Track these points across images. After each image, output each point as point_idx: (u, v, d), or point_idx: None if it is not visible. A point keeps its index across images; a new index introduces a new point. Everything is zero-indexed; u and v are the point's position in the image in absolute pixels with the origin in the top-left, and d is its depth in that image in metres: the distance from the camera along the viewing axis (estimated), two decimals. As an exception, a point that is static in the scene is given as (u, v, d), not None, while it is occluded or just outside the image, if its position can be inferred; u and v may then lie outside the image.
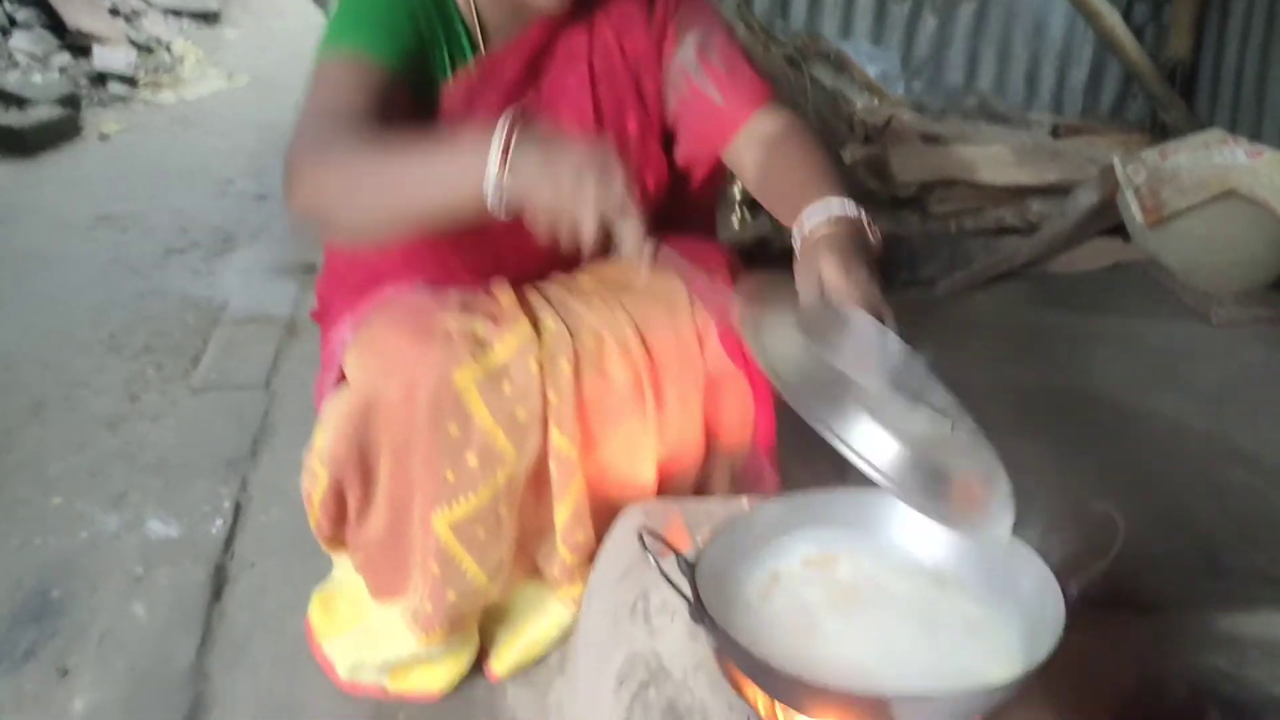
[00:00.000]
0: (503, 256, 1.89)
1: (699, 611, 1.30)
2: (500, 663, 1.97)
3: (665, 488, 1.94)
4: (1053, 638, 1.28)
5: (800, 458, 1.97)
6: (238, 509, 2.47)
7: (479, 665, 1.98)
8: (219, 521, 2.42)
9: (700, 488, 2.00)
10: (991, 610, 1.46)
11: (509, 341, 1.75)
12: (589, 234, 1.37)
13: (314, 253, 3.40)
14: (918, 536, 1.54)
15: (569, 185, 1.36)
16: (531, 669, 1.97)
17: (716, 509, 1.77)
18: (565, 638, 1.97)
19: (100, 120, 5.88)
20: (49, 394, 2.99)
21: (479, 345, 1.73)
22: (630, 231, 1.39)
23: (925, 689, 1.31)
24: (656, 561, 1.29)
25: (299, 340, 3.28)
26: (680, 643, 1.43)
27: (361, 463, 1.79)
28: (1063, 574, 1.37)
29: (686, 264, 1.48)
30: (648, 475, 1.88)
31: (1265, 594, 2.15)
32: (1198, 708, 1.90)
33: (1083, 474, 2.48)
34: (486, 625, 2.01)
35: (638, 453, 1.88)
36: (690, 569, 1.38)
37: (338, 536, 1.93)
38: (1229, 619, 2.02)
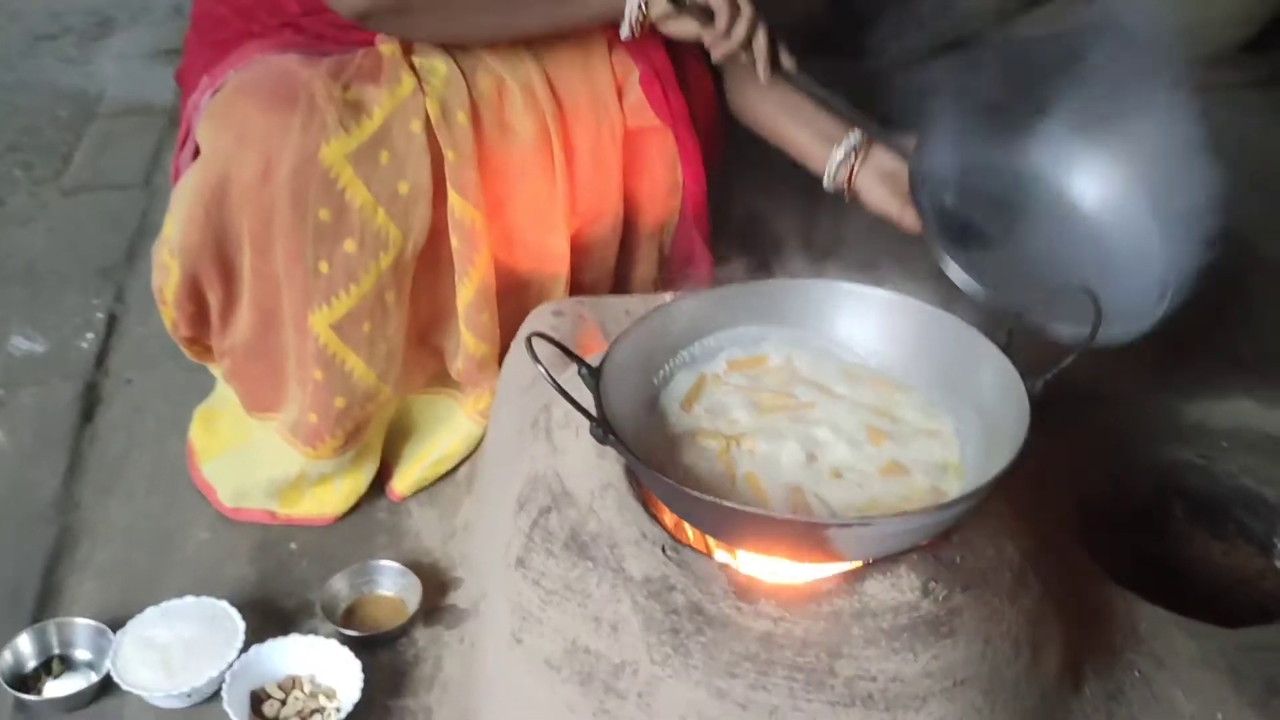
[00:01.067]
0: None
1: (602, 428, 1.09)
2: (403, 480, 1.78)
3: (582, 269, 1.74)
4: (1014, 444, 1.10)
5: (738, 237, 1.80)
6: (112, 321, 2.21)
7: (382, 486, 1.79)
8: (90, 335, 2.17)
9: (623, 274, 1.81)
10: (944, 416, 1.27)
11: (385, 103, 1.50)
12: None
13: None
14: (862, 334, 1.34)
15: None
16: (438, 488, 1.78)
17: (637, 307, 1.56)
18: (473, 453, 1.78)
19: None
20: (-99, 201, 2.67)
21: (351, 112, 1.49)
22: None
23: (868, 512, 1.13)
24: (545, 370, 1.07)
25: (185, 131, 2.93)
26: (586, 462, 1.24)
27: (218, 254, 1.57)
28: (1027, 369, 1.17)
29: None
30: (559, 246, 1.68)
31: (1234, 380, 1.99)
32: (1163, 503, 1.76)
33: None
34: (391, 443, 1.81)
35: (546, 218, 1.66)
36: (594, 377, 1.17)
37: (200, 341, 1.71)
38: (1197, 407, 1.87)
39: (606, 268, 1.78)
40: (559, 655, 1.16)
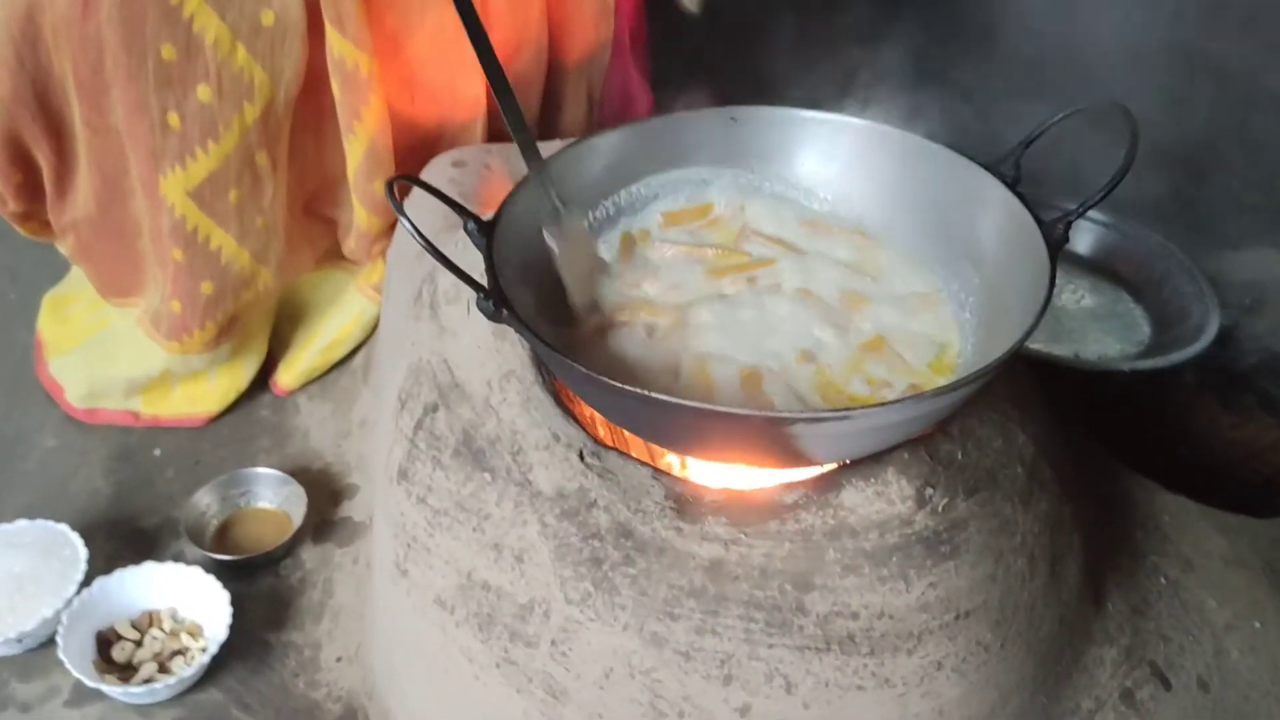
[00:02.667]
0: None
1: (494, 301, 0.81)
2: (288, 371, 1.51)
3: (500, 116, 1.42)
4: (1032, 305, 0.84)
5: (682, 74, 1.52)
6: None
7: (265, 379, 1.51)
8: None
9: (550, 120, 1.55)
10: (936, 275, 1.00)
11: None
12: None
13: None
14: (829, 175, 1.07)
15: None
16: (330, 378, 1.51)
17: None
18: (371, 337, 1.50)
19: None
20: None
21: None
22: None
23: (839, 403, 0.87)
24: (410, 221, 0.79)
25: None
26: (481, 346, 0.97)
27: (41, 107, 1.30)
28: (1045, 213, 0.91)
29: None
30: (471, 88, 1.41)
31: (1244, 226, 1.74)
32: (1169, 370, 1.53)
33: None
34: (275, 327, 1.53)
35: (453, 54, 1.37)
36: (485, 235, 0.89)
37: (36, 217, 1.43)
38: (1214, 261, 1.62)
39: (531, 114, 1.51)
40: (451, 592, 0.91)
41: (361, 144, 1.33)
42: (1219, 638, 1.12)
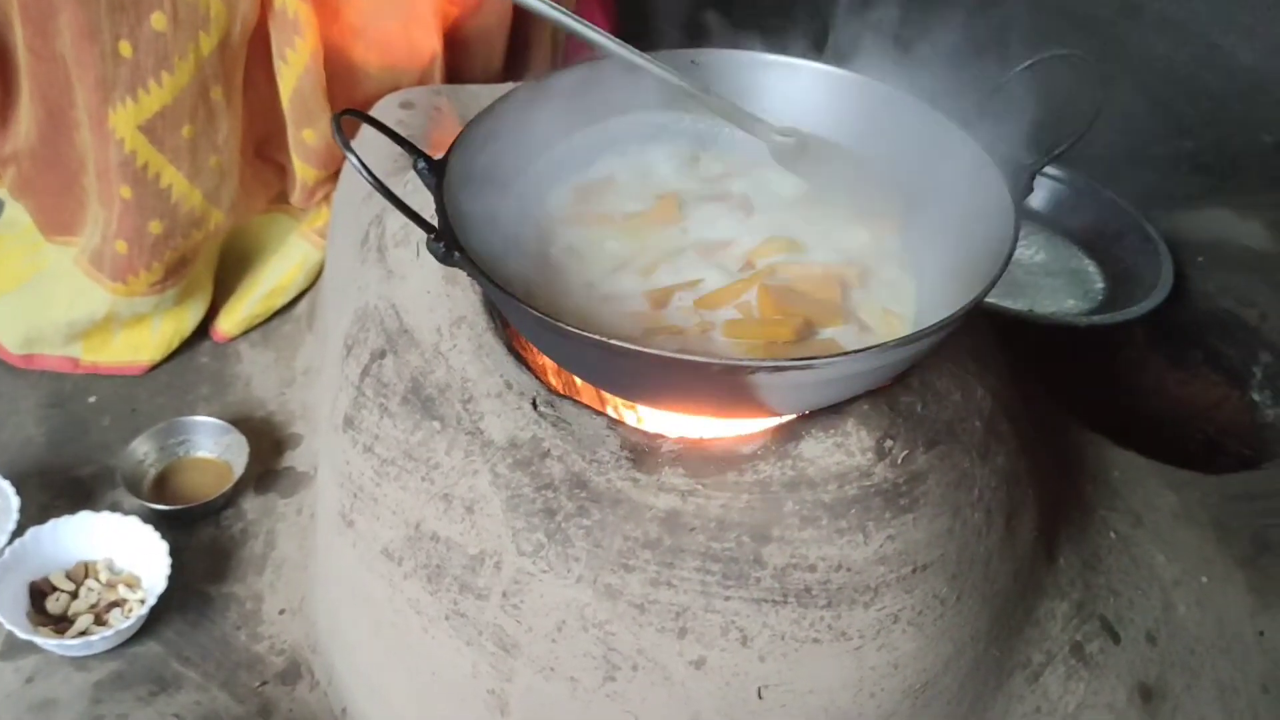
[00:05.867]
0: None
1: (444, 242, 0.78)
2: (229, 317, 1.46)
3: (462, 69, 1.43)
4: (996, 252, 0.83)
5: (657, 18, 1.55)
6: None
7: (206, 326, 1.47)
8: None
9: (514, 70, 1.51)
10: (893, 220, 0.98)
11: None
12: None
13: None
14: (794, 122, 1.03)
15: None
16: (273, 325, 1.47)
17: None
18: (316, 283, 1.46)
19: None
20: None
21: None
22: None
23: (801, 350, 0.86)
24: (356, 157, 0.76)
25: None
26: (431, 290, 0.93)
27: None
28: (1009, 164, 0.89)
29: None
30: (427, 41, 1.36)
31: (1196, 184, 1.75)
32: (1121, 327, 1.53)
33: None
34: (222, 274, 1.48)
35: (409, 6, 1.33)
36: (435, 174, 0.85)
37: (-30, 146, 1.36)
38: (1165, 218, 1.62)
39: (493, 67, 1.48)
40: (399, 544, 0.88)
41: (287, 86, 1.29)
42: (1167, 592, 1.12)
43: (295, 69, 1.26)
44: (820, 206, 1.01)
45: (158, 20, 1.20)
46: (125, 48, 1.21)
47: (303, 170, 1.35)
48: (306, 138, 1.31)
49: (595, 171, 1.03)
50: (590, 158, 1.03)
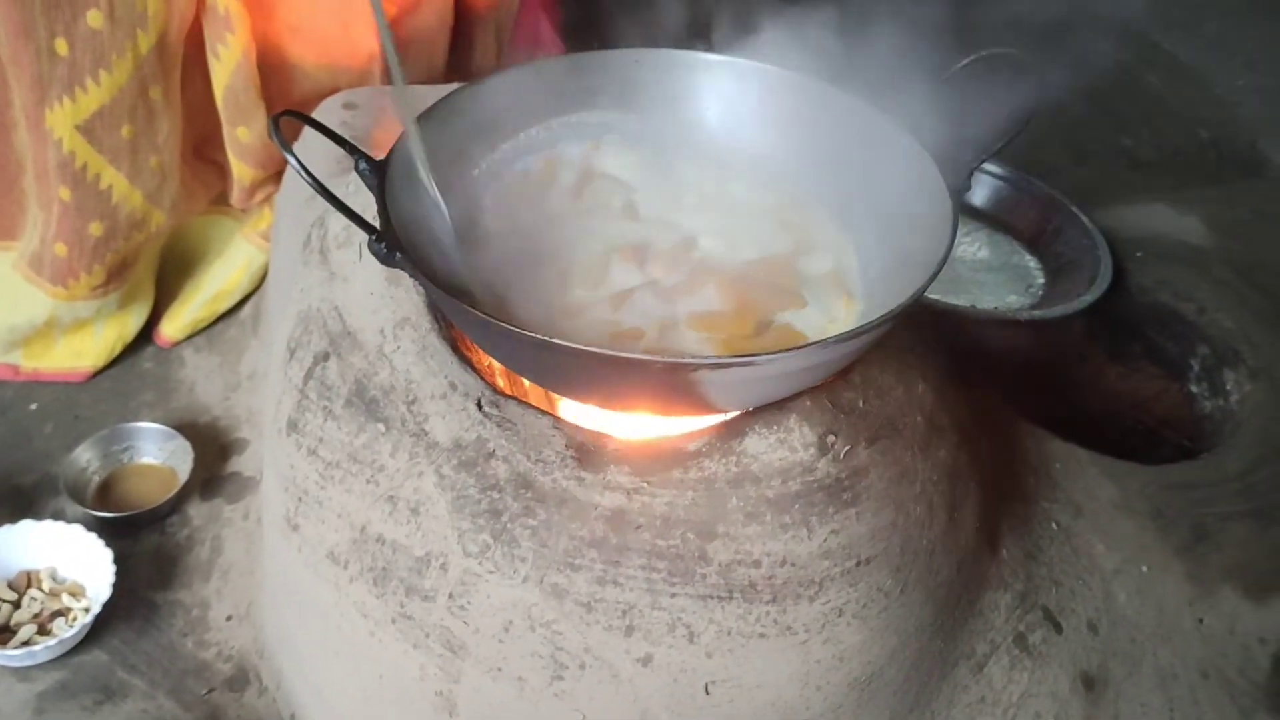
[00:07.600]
0: None
1: (386, 243, 0.78)
2: (173, 322, 1.45)
3: (403, 65, 1.38)
4: (935, 249, 0.84)
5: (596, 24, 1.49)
6: None
7: (149, 331, 1.45)
8: None
9: (460, 62, 1.51)
10: (830, 218, 1.00)
11: None
12: None
13: None
14: (729, 118, 1.04)
15: None
16: (217, 329, 1.45)
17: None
18: (261, 286, 1.45)
19: None
20: None
21: None
22: None
23: (746, 349, 0.86)
24: (295, 158, 0.75)
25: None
26: (374, 292, 0.93)
27: None
28: (948, 161, 0.90)
29: None
30: (366, 39, 1.36)
31: (1135, 180, 1.78)
32: (1061, 322, 1.55)
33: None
34: (165, 277, 1.46)
35: (346, 5, 1.32)
36: (377, 175, 0.85)
37: (-93, 151, 1.33)
38: (1104, 214, 1.65)
39: (435, 66, 1.47)
40: (345, 546, 0.88)
41: (220, 83, 1.28)
42: (1108, 582, 1.14)
43: (228, 66, 1.25)
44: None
45: (94, 18, 1.18)
46: (61, 45, 1.19)
47: (239, 169, 1.34)
48: (241, 135, 1.30)
49: (525, 167, 1.03)
50: (528, 156, 1.03)
